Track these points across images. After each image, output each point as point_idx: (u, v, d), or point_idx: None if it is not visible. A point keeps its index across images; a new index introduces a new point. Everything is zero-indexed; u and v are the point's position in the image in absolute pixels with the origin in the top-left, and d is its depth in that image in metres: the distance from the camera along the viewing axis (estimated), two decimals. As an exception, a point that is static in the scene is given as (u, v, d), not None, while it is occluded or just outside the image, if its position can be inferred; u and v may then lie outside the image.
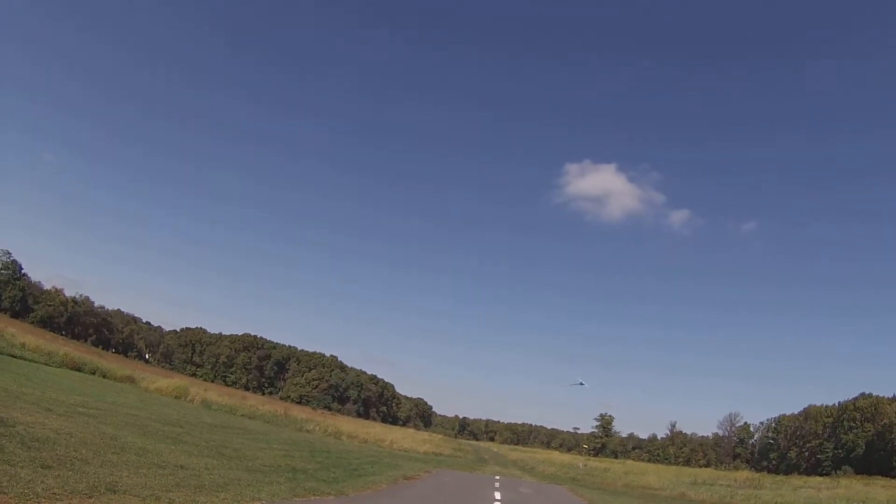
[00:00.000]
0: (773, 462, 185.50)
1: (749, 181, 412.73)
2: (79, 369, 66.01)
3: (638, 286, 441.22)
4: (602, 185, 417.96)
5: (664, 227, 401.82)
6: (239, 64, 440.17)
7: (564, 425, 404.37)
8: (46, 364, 59.05)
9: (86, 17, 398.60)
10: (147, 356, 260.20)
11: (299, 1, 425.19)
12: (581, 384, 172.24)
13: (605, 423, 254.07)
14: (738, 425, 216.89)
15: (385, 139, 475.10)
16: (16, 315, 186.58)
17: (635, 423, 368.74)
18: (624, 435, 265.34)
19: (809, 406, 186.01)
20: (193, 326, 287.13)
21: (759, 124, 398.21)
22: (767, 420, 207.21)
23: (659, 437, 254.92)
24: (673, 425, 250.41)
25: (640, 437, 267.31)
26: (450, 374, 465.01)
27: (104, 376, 68.57)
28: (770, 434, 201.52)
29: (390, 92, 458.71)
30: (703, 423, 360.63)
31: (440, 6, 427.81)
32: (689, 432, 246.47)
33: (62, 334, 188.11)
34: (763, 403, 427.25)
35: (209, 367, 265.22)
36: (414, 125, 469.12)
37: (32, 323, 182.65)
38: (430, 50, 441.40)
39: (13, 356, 52.72)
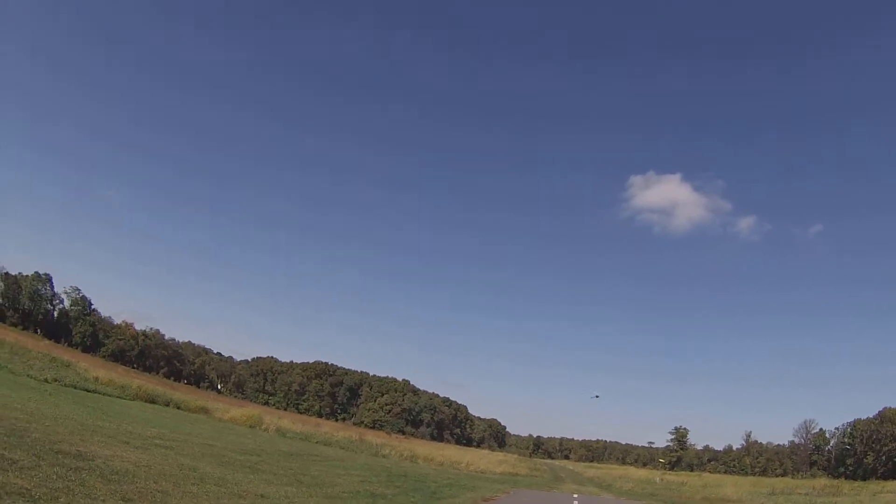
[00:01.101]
0: (851, 468, 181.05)
1: (815, 182, 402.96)
2: (152, 401, 67.34)
3: (707, 297, 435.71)
4: (668, 197, 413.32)
5: (731, 235, 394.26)
6: (295, 94, 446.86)
7: (639, 440, 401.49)
8: (120, 397, 60.35)
9: (141, 55, 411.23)
10: (219, 387, 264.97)
11: (341, 26, 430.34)
12: (596, 397, 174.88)
13: (680, 435, 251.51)
14: (813, 432, 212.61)
15: (446, 161, 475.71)
16: (87, 350, 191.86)
17: (710, 434, 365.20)
18: (699, 447, 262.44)
19: (885, 409, 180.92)
20: (264, 356, 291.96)
21: (822, 121, 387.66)
22: (843, 425, 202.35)
23: (734, 448, 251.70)
24: (748, 435, 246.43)
25: (716, 448, 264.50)
26: (522, 393, 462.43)
27: (178, 408, 69.84)
28: (846, 439, 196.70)
29: (445, 112, 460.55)
30: (779, 432, 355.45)
31: (490, 22, 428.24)
32: (764, 441, 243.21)
33: (134, 367, 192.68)
34: (838, 408, 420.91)
35: (281, 395, 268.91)
36: (472, 145, 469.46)
37: (104, 357, 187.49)
38: (483, 67, 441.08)
39: (87, 390, 53.99)
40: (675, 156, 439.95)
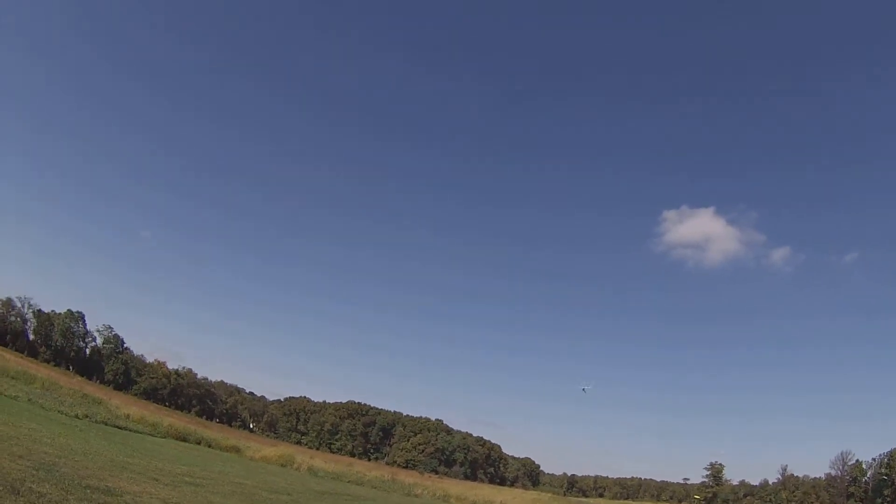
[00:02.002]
0: (888, 499, 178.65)
1: (848, 210, 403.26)
2: (184, 439, 67.48)
3: (742, 331, 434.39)
4: (701, 231, 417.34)
5: (765, 267, 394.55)
6: (331, 133, 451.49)
7: (674, 476, 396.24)
8: (151, 434, 60.54)
9: (179, 94, 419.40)
10: (251, 426, 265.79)
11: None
12: (584, 390, 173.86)
13: (716, 471, 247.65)
14: (850, 464, 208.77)
15: (479, 199, 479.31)
16: (119, 387, 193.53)
17: (746, 469, 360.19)
18: (735, 482, 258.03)
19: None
20: (297, 395, 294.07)
21: (854, 149, 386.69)
22: (880, 455, 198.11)
23: (770, 482, 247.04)
24: (784, 469, 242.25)
25: (752, 483, 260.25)
26: (556, 432, 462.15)
27: (209, 446, 69.95)
28: (883, 470, 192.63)
29: (479, 151, 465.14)
30: (816, 465, 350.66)
31: (520, 60, 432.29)
32: (800, 475, 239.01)
33: (166, 406, 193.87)
34: (876, 439, 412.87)
35: (314, 434, 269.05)
36: (505, 184, 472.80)
37: (136, 395, 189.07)
38: (515, 105, 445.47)
39: (118, 427, 54.22)
40: (708, 189, 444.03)
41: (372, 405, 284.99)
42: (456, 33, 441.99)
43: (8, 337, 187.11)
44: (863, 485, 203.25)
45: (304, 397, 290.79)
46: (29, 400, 45.97)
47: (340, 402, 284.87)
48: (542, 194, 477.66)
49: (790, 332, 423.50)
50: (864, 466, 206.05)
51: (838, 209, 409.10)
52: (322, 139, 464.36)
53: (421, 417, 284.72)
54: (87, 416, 50.39)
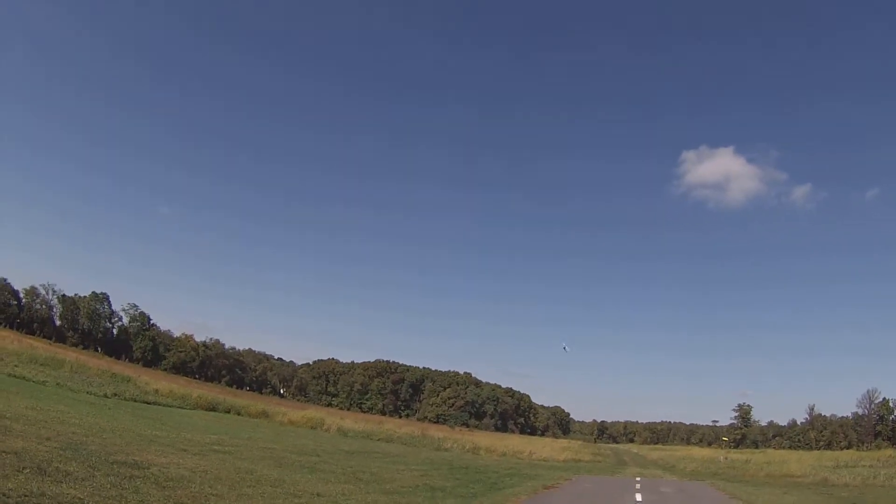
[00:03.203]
0: None
1: (870, 147, 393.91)
2: (213, 409, 68.58)
3: (766, 270, 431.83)
4: (721, 171, 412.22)
5: (787, 205, 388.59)
6: (345, 99, 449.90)
7: (703, 419, 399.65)
8: (180, 407, 61.59)
9: (189, 73, 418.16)
10: (282, 391, 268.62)
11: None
12: (564, 348, 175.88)
13: (744, 413, 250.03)
14: (877, 402, 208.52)
15: (496, 150, 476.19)
16: (148, 364, 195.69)
17: (774, 410, 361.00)
18: (763, 423, 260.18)
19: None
20: (325, 358, 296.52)
21: (875, 85, 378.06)
22: None
23: (798, 423, 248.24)
24: (811, 409, 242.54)
25: (780, 423, 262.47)
26: (586, 379, 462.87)
27: (238, 414, 71.06)
28: None
29: (494, 99, 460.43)
30: (843, 404, 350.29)
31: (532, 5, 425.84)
32: (828, 414, 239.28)
33: (196, 378, 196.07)
34: None
35: (344, 395, 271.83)
36: (522, 132, 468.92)
37: (165, 370, 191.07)
38: (531, 51, 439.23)
39: (147, 402, 55.24)
40: (727, 128, 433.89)
41: (400, 362, 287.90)
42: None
43: (35, 325, 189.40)
44: (890, 423, 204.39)
45: (333, 359, 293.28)
46: (57, 384, 46.82)
47: (369, 362, 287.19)
48: (557, 140, 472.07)
49: (814, 270, 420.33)
50: (890, 405, 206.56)
51: (859, 145, 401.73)
52: (343, 106, 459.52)
53: (450, 372, 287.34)
54: (115, 395, 51.36)
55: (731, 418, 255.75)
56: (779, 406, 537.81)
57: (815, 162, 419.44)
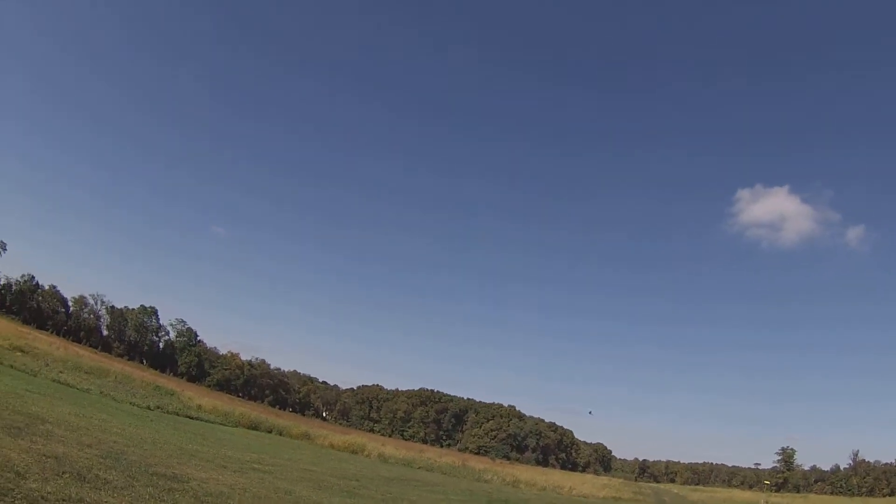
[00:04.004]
0: None
1: None
2: (255, 428, 68.67)
3: (816, 312, 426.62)
4: (776, 210, 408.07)
5: (840, 246, 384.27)
6: (406, 129, 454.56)
7: (745, 462, 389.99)
8: (223, 424, 61.75)
9: (248, 95, 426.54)
10: (324, 414, 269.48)
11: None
12: (590, 413, 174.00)
13: (787, 456, 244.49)
14: None
15: (554, 184, 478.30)
16: (192, 379, 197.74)
17: (819, 454, 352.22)
18: (806, 468, 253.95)
19: None
20: (370, 384, 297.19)
21: None
22: None
23: (842, 468, 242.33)
24: (856, 454, 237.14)
25: (823, 468, 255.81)
26: (629, 417, 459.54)
27: (280, 434, 71.05)
28: None
29: (547, 137, 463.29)
30: (888, 450, 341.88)
31: (592, 40, 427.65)
32: (872, 460, 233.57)
33: (239, 396, 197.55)
34: None
35: (386, 422, 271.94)
36: (578, 169, 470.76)
37: (209, 386, 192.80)
38: (584, 88, 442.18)
39: (190, 417, 55.44)
40: (782, 167, 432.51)
41: (444, 392, 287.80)
42: (518, 9, 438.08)
43: (82, 333, 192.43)
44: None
45: (377, 385, 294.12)
46: (101, 392, 47.24)
47: (413, 390, 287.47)
48: (613, 178, 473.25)
49: (864, 313, 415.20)
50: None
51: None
52: (396, 132, 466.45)
53: (493, 403, 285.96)
54: (158, 408, 51.63)
55: (773, 461, 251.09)
56: (823, 451, 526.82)
57: (869, 202, 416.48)
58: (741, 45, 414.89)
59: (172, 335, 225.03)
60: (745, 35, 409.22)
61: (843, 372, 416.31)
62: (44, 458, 15.74)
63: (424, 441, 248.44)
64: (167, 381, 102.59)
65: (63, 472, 14.65)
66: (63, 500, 12.32)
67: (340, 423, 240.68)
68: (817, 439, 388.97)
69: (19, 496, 11.84)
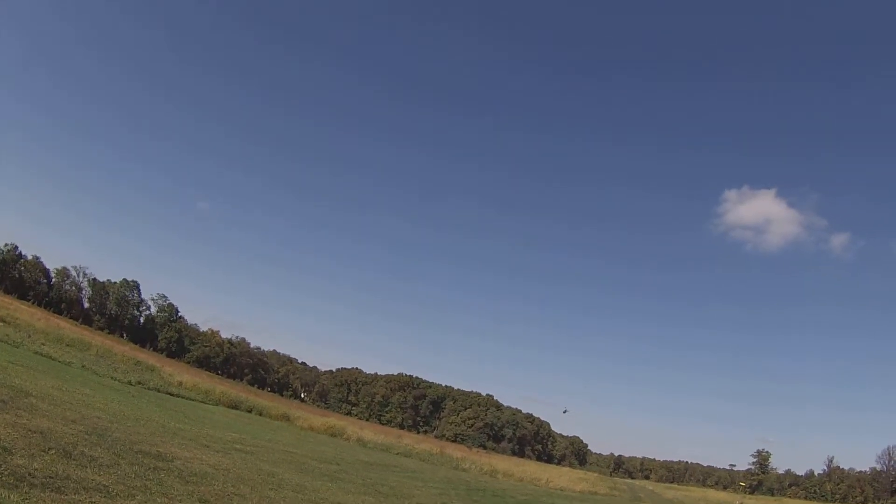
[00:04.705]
0: None
1: None
2: (235, 407, 68.70)
3: (797, 317, 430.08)
4: (762, 213, 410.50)
5: (825, 252, 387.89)
6: (391, 106, 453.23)
7: (720, 462, 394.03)
8: (203, 402, 61.73)
9: (237, 70, 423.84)
10: (303, 395, 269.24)
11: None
12: (565, 411, 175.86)
13: (762, 459, 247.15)
14: None
15: (539, 174, 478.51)
16: (172, 355, 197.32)
17: (793, 458, 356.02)
18: (781, 471, 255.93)
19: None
20: (349, 367, 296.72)
21: None
22: None
23: (816, 474, 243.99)
24: (830, 460, 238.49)
25: (798, 473, 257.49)
26: (606, 412, 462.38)
27: (260, 414, 71.18)
28: None
29: (539, 125, 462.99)
30: (862, 458, 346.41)
31: (583, 36, 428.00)
32: (846, 467, 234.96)
33: (218, 374, 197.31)
34: None
35: (364, 406, 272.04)
36: (561, 159, 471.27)
37: (188, 363, 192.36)
38: (577, 80, 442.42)
39: (170, 394, 55.39)
40: (770, 170, 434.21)
41: (423, 378, 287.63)
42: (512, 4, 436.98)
43: (63, 305, 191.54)
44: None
45: (356, 368, 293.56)
46: (83, 366, 47.12)
47: (392, 375, 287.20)
48: (598, 172, 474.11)
49: (845, 321, 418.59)
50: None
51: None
52: (381, 111, 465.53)
53: (472, 392, 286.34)
54: (139, 383, 51.53)
55: (748, 463, 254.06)
56: (798, 455, 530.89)
57: (856, 210, 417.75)
58: (736, 46, 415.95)
59: (153, 310, 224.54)
60: (741, 37, 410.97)
61: (823, 378, 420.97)
62: (29, 433, 15.67)
63: (402, 426, 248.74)
64: (147, 357, 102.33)
65: (49, 449, 14.60)
66: (50, 478, 12.28)
67: (318, 405, 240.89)
68: (793, 443, 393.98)
69: (6, 472, 11.78)
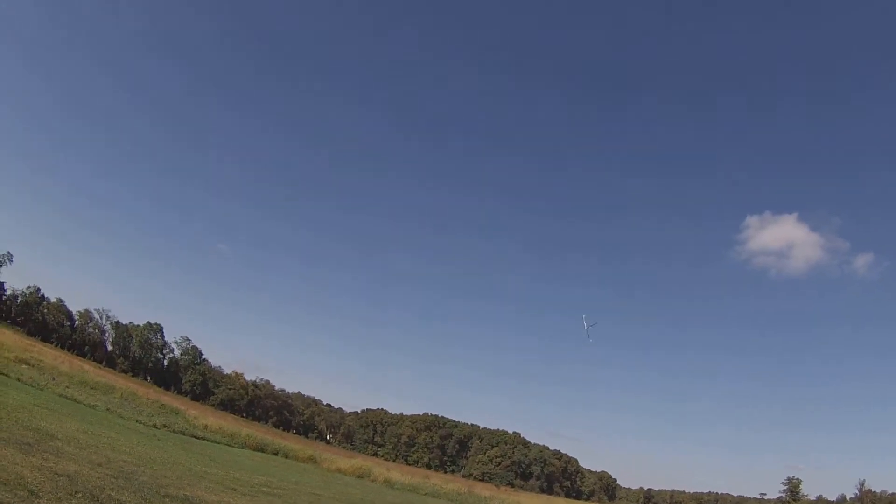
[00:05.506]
0: None
1: None
2: (261, 450, 68.37)
3: (823, 340, 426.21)
4: (784, 238, 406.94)
5: (848, 274, 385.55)
6: (417, 150, 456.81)
7: (751, 491, 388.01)
8: (229, 445, 61.47)
9: (259, 112, 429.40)
10: (328, 437, 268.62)
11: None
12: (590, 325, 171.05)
13: (793, 486, 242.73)
14: None
15: (553, 207, 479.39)
16: (196, 398, 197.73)
17: (825, 484, 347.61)
18: (812, 498, 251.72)
19: None
20: (374, 407, 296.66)
21: None
22: None
23: (848, 498, 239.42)
24: (862, 484, 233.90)
25: (829, 498, 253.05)
26: (634, 445, 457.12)
27: (286, 457, 70.72)
28: None
29: (555, 160, 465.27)
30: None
31: (599, 66, 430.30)
32: (878, 490, 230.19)
33: (243, 417, 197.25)
34: None
35: (391, 446, 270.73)
36: (586, 191, 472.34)
37: (213, 406, 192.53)
38: (596, 112, 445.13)
39: (195, 437, 55.19)
40: (791, 194, 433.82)
41: (449, 417, 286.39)
42: (528, 34, 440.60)
43: (86, 348, 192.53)
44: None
45: (382, 409, 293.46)
46: (107, 409, 47.04)
47: (417, 415, 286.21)
48: (622, 201, 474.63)
49: (872, 341, 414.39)
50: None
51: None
52: (407, 151, 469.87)
53: (498, 430, 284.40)
54: (165, 426, 51.38)
55: (779, 491, 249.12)
56: (829, 480, 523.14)
57: (878, 230, 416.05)
58: (751, 71, 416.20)
59: (177, 353, 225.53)
60: (756, 61, 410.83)
61: (851, 400, 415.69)
62: (56, 476, 15.49)
63: (429, 466, 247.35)
64: (172, 399, 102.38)
65: (76, 492, 14.40)
66: (78, 522, 12.07)
67: (344, 447, 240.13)
68: (823, 469, 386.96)
69: (34, 516, 11.59)
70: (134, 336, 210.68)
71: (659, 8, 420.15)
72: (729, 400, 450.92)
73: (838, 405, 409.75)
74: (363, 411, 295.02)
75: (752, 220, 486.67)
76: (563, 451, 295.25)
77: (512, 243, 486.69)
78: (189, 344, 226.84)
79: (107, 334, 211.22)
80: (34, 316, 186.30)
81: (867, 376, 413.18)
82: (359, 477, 70.60)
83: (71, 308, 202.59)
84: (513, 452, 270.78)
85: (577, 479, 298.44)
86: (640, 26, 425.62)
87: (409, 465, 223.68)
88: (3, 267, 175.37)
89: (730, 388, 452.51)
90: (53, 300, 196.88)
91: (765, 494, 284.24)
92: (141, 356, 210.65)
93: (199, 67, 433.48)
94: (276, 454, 69.95)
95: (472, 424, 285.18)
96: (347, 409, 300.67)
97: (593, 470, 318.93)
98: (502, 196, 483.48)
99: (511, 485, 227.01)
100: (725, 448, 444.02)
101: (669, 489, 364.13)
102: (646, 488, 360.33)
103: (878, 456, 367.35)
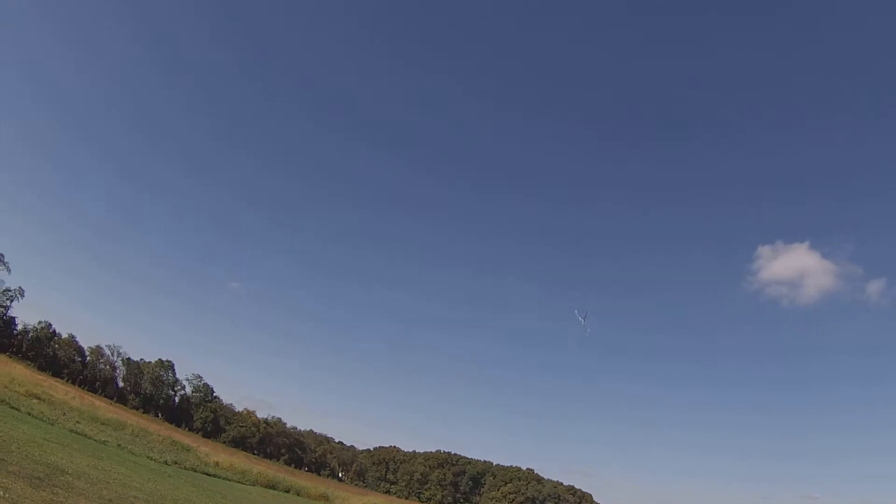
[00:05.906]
0: None
1: None
2: (272, 487, 67.84)
3: (838, 368, 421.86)
4: (796, 267, 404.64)
5: (861, 301, 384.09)
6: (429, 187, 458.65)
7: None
8: (240, 482, 60.96)
9: (272, 152, 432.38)
10: (340, 475, 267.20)
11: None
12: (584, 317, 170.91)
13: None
14: None
15: (564, 242, 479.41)
16: (207, 435, 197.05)
17: None
18: None
19: None
20: (386, 444, 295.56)
21: None
22: None
23: None
24: None
25: None
26: (650, 480, 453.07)
27: (298, 494, 70.22)
28: None
29: (565, 194, 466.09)
30: None
31: (605, 101, 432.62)
32: None
33: (254, 454, 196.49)
34: None
35: (403, 484, 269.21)
36: (595, 224, 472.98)
37: (224, 443, 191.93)
38: (603, 146, 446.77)
39: (207, 474, 54.74)
40: (802, 222, 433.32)
41: (462, 454, 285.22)
42: (539, 72, 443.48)
43: (97, 384, 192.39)
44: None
45: (394, 447, 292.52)
46: (118, 445, 46.69)
47: (430, 452, 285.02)
48: (631, 234, 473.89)
49: (886, 368, 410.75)
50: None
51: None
52: (420, 189, 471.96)
53: (511, 467, 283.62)
54: (176, 463, 50.99)
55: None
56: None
57: (891, 255, 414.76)
58: (758, 99, 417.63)
59: (188, 390, 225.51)
60: (761, 89, 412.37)
61: (866, 429, 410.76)
62: (66, 511, 15.13)
63: (442, 503, 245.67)
64: (183, 437, 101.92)
65: (86, 527, 14.03)
66: (88, 558, 11.70)
67: (356, 484, 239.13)
68: (839, 498, 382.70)
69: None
70: (145, 373, 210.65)
71: (668, 40, 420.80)
72: (743, 430, 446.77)
73: (858, 434, 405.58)
74: (375, 449, 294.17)
75: (763, 250, 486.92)
76: (577, 486, 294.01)
77: (524, 278, 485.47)
78: (201, 381, 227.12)
79: (118, 370, 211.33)
80: (45, 351, 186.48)
81: (883, 404, 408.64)
82: (372, 515, 69.95)
83: (82, 344, 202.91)
84: (526, 488, 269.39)
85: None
86: (650, 58, 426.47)
87: (423, 502, 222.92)
88: (15, 302, 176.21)
89: (743, 419, 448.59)
90: (65, 336, 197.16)
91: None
92: (152, 393, 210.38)
93: (217, 114, 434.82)
94: (287, 491, 69.46)
95: (484, 461, 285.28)
96: (360, 447, 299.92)
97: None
98: (514, 232, 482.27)
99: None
100: (740, 478, 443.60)
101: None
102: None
103: (893, 483, 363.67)
